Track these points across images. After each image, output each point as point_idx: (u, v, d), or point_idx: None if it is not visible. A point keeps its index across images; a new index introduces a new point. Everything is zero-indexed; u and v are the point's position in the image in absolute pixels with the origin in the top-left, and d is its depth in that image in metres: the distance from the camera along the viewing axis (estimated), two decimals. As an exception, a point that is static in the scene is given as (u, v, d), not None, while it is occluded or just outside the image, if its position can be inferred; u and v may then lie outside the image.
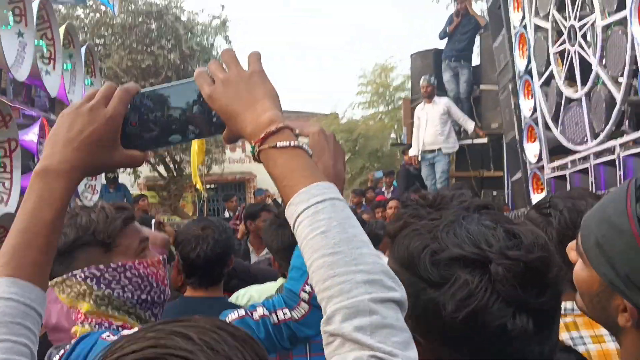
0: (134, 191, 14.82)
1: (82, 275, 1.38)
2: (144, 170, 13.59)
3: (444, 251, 0.77)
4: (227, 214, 10.28)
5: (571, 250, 1.09)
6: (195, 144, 8.27)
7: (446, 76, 9.26)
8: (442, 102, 8.39)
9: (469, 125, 8.49)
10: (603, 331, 1.40)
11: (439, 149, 8.36)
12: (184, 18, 11.85)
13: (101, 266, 1.38)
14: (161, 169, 13.20)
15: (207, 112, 0.90)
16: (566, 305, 1.43)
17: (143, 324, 1.42)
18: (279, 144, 0.81)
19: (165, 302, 1.48)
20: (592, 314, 1.07)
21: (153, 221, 3.18)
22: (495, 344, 0.77)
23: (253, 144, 0.83)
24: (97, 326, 1.37)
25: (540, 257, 0.76)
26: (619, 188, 1.02)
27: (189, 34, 11.72)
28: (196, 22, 12.06)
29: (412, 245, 0.81)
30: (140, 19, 11.60)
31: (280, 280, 2.52)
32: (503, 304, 0.75)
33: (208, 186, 13.47)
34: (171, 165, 12.92)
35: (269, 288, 2.51)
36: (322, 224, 0.73)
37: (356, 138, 16.92)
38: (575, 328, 1.44)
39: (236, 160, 18.14)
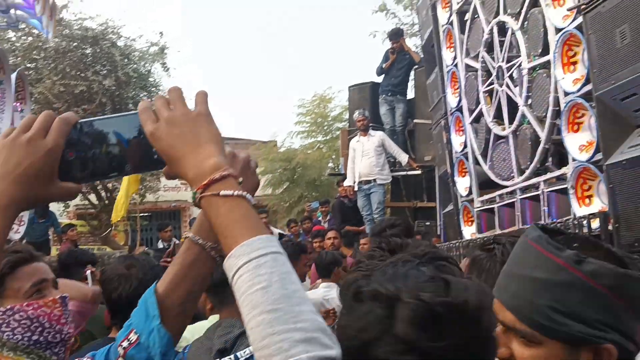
0: (63, 220, 14.23)
1: None
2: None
3: (367, 286, 0.81)
4: (160, 245, 10.00)
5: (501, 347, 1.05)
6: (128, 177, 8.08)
7: (382, 109, 9.54)
8: (377, 135, 8.62)
9: (403, 157, 8.75)
10: None
11: (375, 180, 8.54)
12: (120, 44, 11.65)
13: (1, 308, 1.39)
14: (92, 197, 12.75)
15: (148, 148, 0.88)
16: None
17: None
18: (222, 192, 0.80)
19: (66, 340, 1.46)
20: None
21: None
22: None
23: (195, 190, 0.82)
24: None
25: (444, 302, 0.76)
26: (527, 253, 1.03)
27: (126, 60, 11.52)
28: (133, 48, 11.89)
29: (347, 278, 0.87)
30: (75, 44, 11.31)
31: (213, 318, 2.46)
32: (396, 341, 0.76)
33: (141, 214, 13.10)
34: (103, 194, 12.51)
35: (199, 327, 2.45)
36: (263, 278, 0.73)
37: (294, 167, 16.96)
38: None
39: (171, 188, 17.76)
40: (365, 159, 8.60)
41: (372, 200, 8.61)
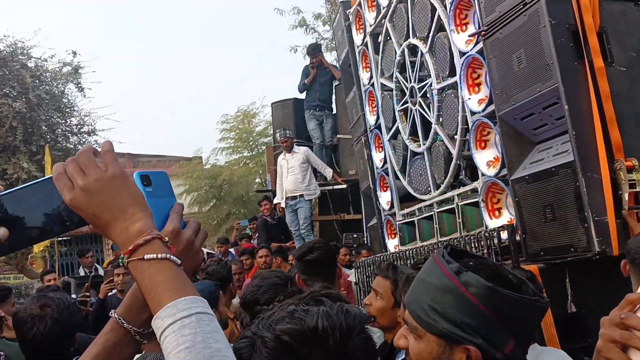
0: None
1: None
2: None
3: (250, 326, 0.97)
4: (82, 271, 9.61)
5: (399, 339, 1.22)
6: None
7: (311, 125, 9.65)
8: (301, 151, 8.73)
9: (327, 172, 8.90)
10: None
11: (301, 195, 8.63)
12: (31, 64, 11.15)
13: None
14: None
15: (70, 212, 0.90)
16: None
17: None
18: (147, 256, 0.82)
19: None
20: None
21: None
22: None
23: (122, 255, 0.85)
24: None
25: (288, 330, 0.88)
26: (428, 263, 1.21)
27: (37, 81, 11.03)
28: (45, 69, 11.39)
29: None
30: (-20, 66, 10.75)
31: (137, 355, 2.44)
32: None
33: (60, 239, 12.54)
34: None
35: None
36: (187, 339, 0.76)
37: (221, 184, 16.79)
38: None
39: (93, 210, 17.16)
40: (291, 175, 8.69)
41: (299, 216, 8.69)
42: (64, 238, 15.00)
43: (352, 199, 9.63)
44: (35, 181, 0.94)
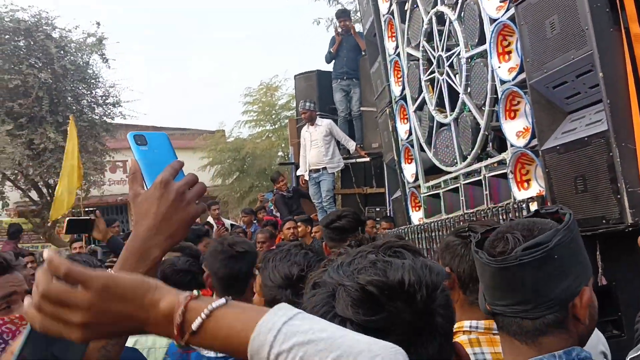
0: (4, 218, 13.69)
1: None
2: (14, 196, 12.61)
3: (319, 277, 0.92)
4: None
5: None
6: (73, 170, 7.80)
7: (337, 96, 9.55)
8: (324, 124, 8.66)
9: (351, 145, 8.83)
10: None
11: (324, 168, 8.60)
12: (55, 35, 11.19)
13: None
14: (33, 194, 12.30)
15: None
16: (471, 323, 1.64)
17: None
18: (194, 327, 0.73)
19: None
20: None
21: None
22: None
23: (177, 344, 0.76)
24: None
25: (374, 281, 0.84)
26: None
27: (62, 52, 11.09)
28: (69, 39, 11.44)
29: (311, 274, 0.96)
30: (7, 36, 10.80)
31: None
32: (336, 319, 0.84)
33: (86, 209, 12.75)
34: (44, 190, 12.09)
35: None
36: (319, 327, 0.71)
37: (244, 157, 16.85)
38: (478, 344, 1.61)
39: (117, 182, 17.31)
40: (314, 148, 8.65)
41: (322, 188, 8.69)
42: (91, 208, 15.26)
43: (375, 172, 9.58)
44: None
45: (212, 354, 1.88)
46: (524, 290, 1.18)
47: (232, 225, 10.11)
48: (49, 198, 12.06)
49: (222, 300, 0.76)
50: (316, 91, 10.25)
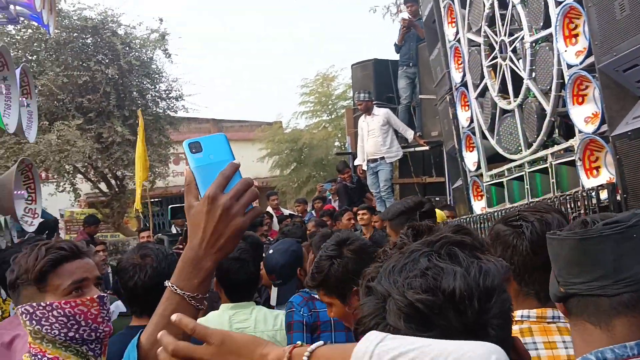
0: (75, 209, 14.36)
1: (20, 310, 1.52)
2: (85, 187, 13.20)
3: (372, 280, 0.89)
4: (174, 230, 10.10)
5: None
6: (138, 162, 8.10)
7: (402, 83, 9.45)
8: (381, 114, 8.59)
9: (409, 134, 8.73)
10: (556, 338, 1.54)
11: (382, 158, 8.55)
12: (121, 32, 11.59)
13: (34, 304, 1.49)
14: (102, 185, 12.84)
15: None
16: (523, 312, 1.58)
17: (81, 358, 1.52)
18: None
19: (101, 338, 1.53)
20: None
21: None
22: None
23: None
24: (34, 357, 1.50)
25: (423, 299, 0.81)
26: None
27: (127, 48, 11.48)
28: (134, 36, 11.82)
29: (367, 270, 0.93)
30: (75, 34, 11.27)
31: (226, 308, 2.52)
32: (389, 330, 0.82)
33: (152, 200, 13.21)
34: (113, 182, 12.59)
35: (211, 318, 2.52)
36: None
37: (301, 147, 16.98)
38: (530, 334, 1.56)
39: (180, 173, 17.85)
40: (372, 138, 8.61)
41: (380, 178, 8.64)
42: (156, 199, 15.79)
43: (434, 161, 9.45)
44: None
45: None
46: (603, 265, 1.16)
47: (290, 214, 10.23)
48: (117, 189, 12.57)
49: (320, 342, 0.84)
50: (373, 80, 10.20)
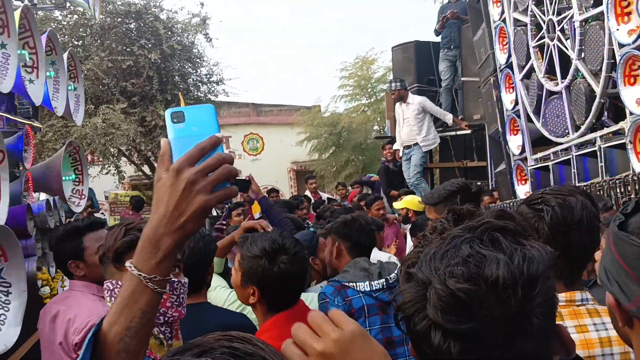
0: (119, 191, 14.74)
1: (104, 287, 1.58)
2: (128, 170, 13.50)
3: (413, 266, 0.86)
4: (214, 212, 10.24)
5: None
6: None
7: (443, 65, 9.32)
8: (415, 102, 8.48)
9: (448, 118, 8.58)
10: (587, 321, 1.51)
11: (416, 144, 8.47)
12: (163, 17, 11.72)
13: (113, 281, 1.54)
14: (146, 168, 13.12)
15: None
16: None
17: (155, 339, 1.54)
18: None
19: (170, 322, 1.55)
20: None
21: None
22: (427, 355, 0.83)
23: None
24: None
25: (466, 289, 0.77)
26: None
27: (169, 33, 11.61)
28: (176, 20, 11.94)
29: (407, 255, 0.91)
30: (119, 19, 11.46)
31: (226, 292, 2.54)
32: (428, 320, 0.81)
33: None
34: (155, 165, 12.85)
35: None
36: None
37: (340, 131, 16.91)
38: (560, 318, 1.52)
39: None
40: (406, 126, 8.55)
41: (410, 164, 8.57)
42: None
43: (475, 144, 9.29)
44: None
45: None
46: None
47: (328, 198, 10.24)
48: (159, 172, 12.79)
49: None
50: (414, 62, 10.05)
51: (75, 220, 4.43)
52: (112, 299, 1.53)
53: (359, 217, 2.97)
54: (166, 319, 1.53)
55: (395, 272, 2.56)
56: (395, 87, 8.56)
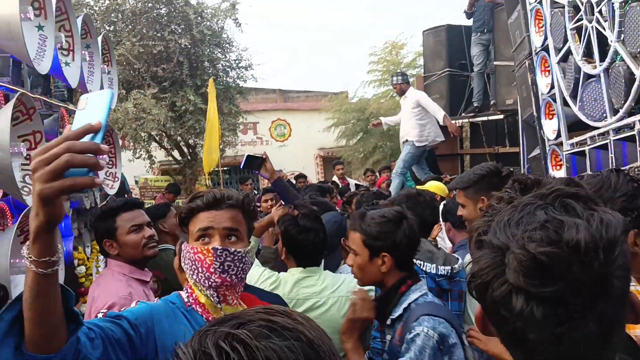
0: (150, 176, 14.93)
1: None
2: (159, 155, 13.67)
3: (485, 234, 0.87)
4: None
5: None
6: (213, 129, 8.22)
7: (475, 50, 9.18)
8: (412, 96, 8.34)
9: (439, 115, 8.20)
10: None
11: (406, 140, 8.38)
12: (193, 2, 11.76)
13: (183, 244, 1.67)
14: (175, 153, 13.25)
15: None
16: None
17: (209, 300, 1.62)
18: None
19: (215, 287, 1.60)
20: None
21: None
22: (506, 320, 0.83)
23: None
24: (185, 289, 1.69)
25: (548, 252, 0.78)
26: None
27: (199, 18, 11.65)
28: (206, 5, 11.96)
29: (474, 225, 0.92)
30: (150, 5, 11.54)
31: (295, 272, 2.57)
32: (508, 285, 0.81)
33: (223, 169, 13.54)
34: (185, 150, 12.97)
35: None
36: None
37: (368, 117, 16.82)
38: None
39: (247, 143, 18.16)
40: (404, 120, 8.43)
41: (400, 157, 8.51)
42: (225, 168, 16.18)
43: (508, 130, 9.16)
44: None
45: None
46: None
47: (356, 184, 10.22)
48: (189, 157, 12.94)
49: None
50: (445, 47, 9.92)
51: (110, 201, 4.51)
52: (183, 259, 1.65)
53: (424, 192, 2.97)
54: (210, 283, 1.59)
55: (458, 264, 2.56)
56: (396, 80, 8.46)
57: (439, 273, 2.48)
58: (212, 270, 1.57)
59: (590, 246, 0.78)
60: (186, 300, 1.63)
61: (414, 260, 2.40)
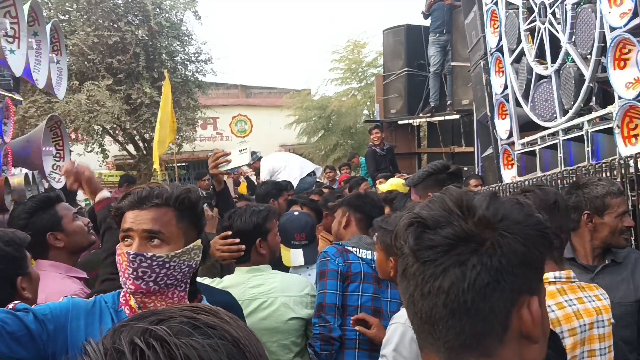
0: (103, 170, 14.56)
1: None
2: (113, 149, 13.34)
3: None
4: (201, 193, 10.13)
5: None
6: (165, 124, 8.02)
7: (432, 50, 9.26)
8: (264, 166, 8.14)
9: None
10: (580, 294, 1.76)
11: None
12: (151, -7, 11.52)
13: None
14: (130, 147, 12.95)
15: None
16: (554, 274, 1.75)
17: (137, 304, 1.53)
18: None
19: (131, 293, 1.50)
20: None
21: None
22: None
23: None
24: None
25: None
26: None
27: (157, 10, 11.40)
28: (165, -4, 11.73)
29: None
30: (106, -6, 11.25)
31: (241, 272, 2.51)
32: None
33: (179, 164, 13.30)
34: (141, 144, 12.68)
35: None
36: None
37: (329, 115, 16.84)
38: (565, 293, 1.75)
39: (207, 138, 17.91)
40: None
41: None
42: (183, 163, 15.90)
43: (463, 130, 9.29)
44: None
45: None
46: None
47: (317, 182, 10.19)
48: (144, 152, 12.66)
49: None
50: (404, 46, 10.00)
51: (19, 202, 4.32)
52: None
53: (371, 192, 3.11)
54: (127, 288, 1.47)
55: None
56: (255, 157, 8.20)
57: (374, 258, 2.56)
58: (126, 275, 1.45)
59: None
60: (121, 300, 1.52)
61: (350, 247, 2.59)
